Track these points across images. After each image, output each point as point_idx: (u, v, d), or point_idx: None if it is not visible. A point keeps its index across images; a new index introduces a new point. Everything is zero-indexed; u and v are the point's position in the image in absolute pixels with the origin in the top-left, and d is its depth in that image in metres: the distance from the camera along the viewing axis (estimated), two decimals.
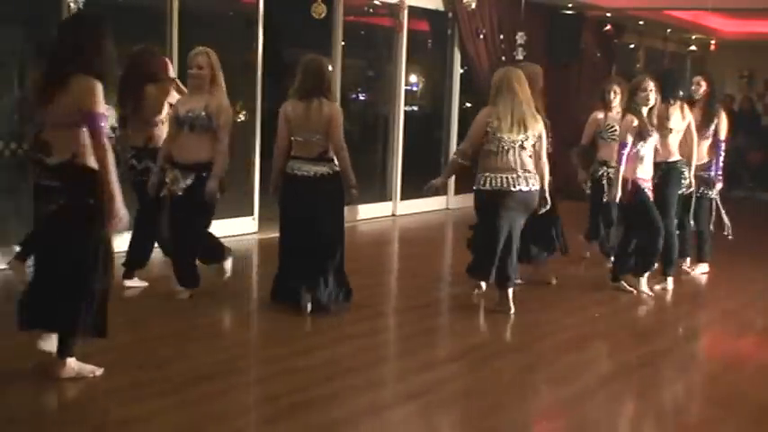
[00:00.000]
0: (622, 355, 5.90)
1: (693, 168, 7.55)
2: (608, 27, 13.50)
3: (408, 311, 6.65)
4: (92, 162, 4.57)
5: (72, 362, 4.75)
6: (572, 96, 13.26)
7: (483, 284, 6.78)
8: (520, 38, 11.54)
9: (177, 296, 6.38)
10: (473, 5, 10.34)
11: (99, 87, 4.54)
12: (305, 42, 9.91)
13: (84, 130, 4.53)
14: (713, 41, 15.33)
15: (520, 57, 11.47)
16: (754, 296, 7.75)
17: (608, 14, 13.01)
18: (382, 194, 10.81)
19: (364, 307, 6.56)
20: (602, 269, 8.22)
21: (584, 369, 5.53)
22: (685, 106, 7.57)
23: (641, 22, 14.04)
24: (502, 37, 11.52)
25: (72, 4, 7.19)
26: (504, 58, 11.45)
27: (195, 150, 6.16)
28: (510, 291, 6.47)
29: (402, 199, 10.93)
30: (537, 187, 6.35)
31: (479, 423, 4.72)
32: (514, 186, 6.24)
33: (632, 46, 15.57)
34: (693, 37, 15.31)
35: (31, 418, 4.36)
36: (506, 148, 6.24)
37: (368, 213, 10.28)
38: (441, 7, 11.14)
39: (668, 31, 15.07)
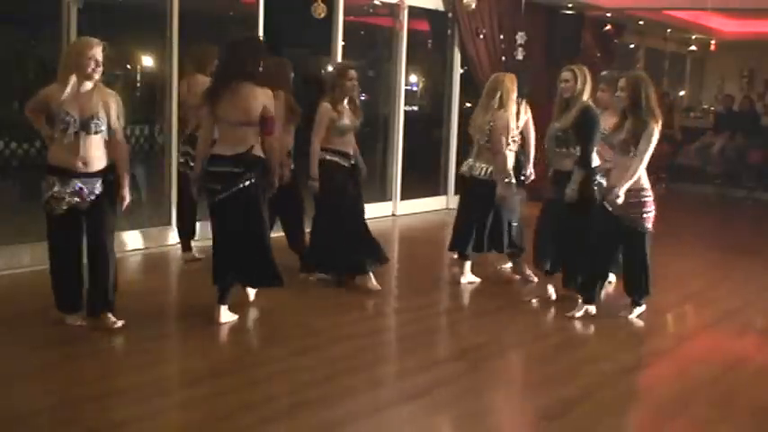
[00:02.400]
0: (622, 355, 5.90)
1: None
2: (608, 27, 13.50)
3: (408, 311, 6.65)
4: (259, 152, 5.78)
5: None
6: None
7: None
8: (520, 38, 11.54)
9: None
10: (473, 5, 10.34)
11: (270, 94, 5.81)
12: (305, 42, 9.92)
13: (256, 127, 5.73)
14: (713, 41, 15.34)
15: (520, 57, 11.48)
16: (754, 296, 7.75)
17: (608, 14, 13.01)
18: (382, 194, 10.81)
19: (364, 307, 6.56)
20: None
21: (584, 370, 5.53)
22: (523, 102, 7.68)
23: (641, 22, 14.04)
24: (502, 37, 11.52)
25: (72, 4, 7.18)
26: (504, 58, 11.45)
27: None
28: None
29: (402, 199, 10.93)
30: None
31: (479, 423, 4.72)
32: None
33: (632, 46, 15.58)
34: (693, 37, 15.32)
35: (29, 418, 4.36)
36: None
37: (368, 213, 10.23)
38: (441, 7, 11.13)
39: (668, 31, 15.07)
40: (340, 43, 9.63)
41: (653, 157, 6.22)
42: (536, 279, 7.40)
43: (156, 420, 4.43)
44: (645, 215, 6.28)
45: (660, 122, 6.19)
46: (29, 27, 8.70)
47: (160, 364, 5.33)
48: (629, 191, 6.15)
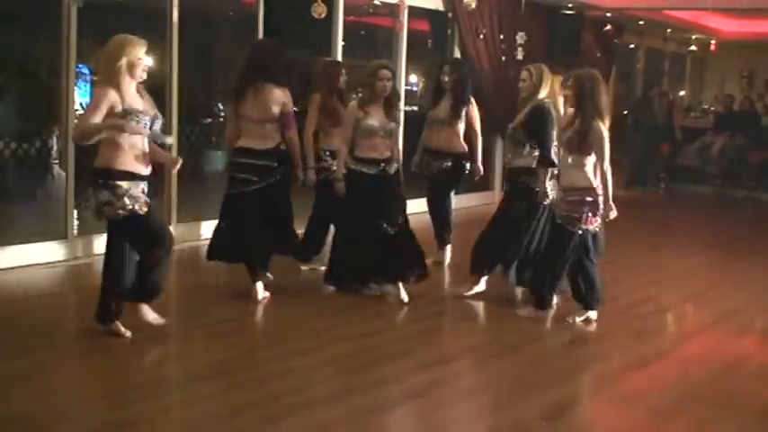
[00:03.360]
0: (620, 355, 5.90)
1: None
2: (608, 27, 13.50)
3: (408, 311, 6.65)
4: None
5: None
6: None
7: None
8: (520, 38, 11.54)
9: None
10: (473, 5, 10.33)
11: (287, 93, 6.35)
12: (305, 42, 9.90)
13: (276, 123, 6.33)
14: (713, 41, 15.33)
15: (520, 57, 11.48)
16: (754, 296, 7.75)
17: (608, 14, 13.01)
18: None
19: (363, 307, 6.56)
20: (600, 269, 8.22)
21: (584, 369, 5.53)
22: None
23: (641, 22, 14.04)
24: (502, 37, 11.51)
25: (72, 4, 7.18)
26: (504, 58, 11.45)
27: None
28: None
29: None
30: None
31: (479, 423, 4.73)
32: None
33: (632, 46, 15.57)
34: (693, 37, 15.30)
35: (29, 418, 4.36)
36: None
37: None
38: (441, 7, 11.13)
39: (668, 31, 15.06)
40: (340, 43, 9.63)
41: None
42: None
43: (156, 420, 4.43)
44: (581, 215, 6.08)
45: (607, 121, 6.06)
46: (28, 26, 8.69)
47: (160, 364, 5.33)
48: (573, 188, 6.09)
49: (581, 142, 5.98)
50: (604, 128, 6.01)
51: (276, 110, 6.31)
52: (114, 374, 4.95)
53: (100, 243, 7.69)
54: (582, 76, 6.12)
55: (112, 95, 5.12)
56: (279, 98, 6.31)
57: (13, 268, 7.05)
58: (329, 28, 9.61)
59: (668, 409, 4.93)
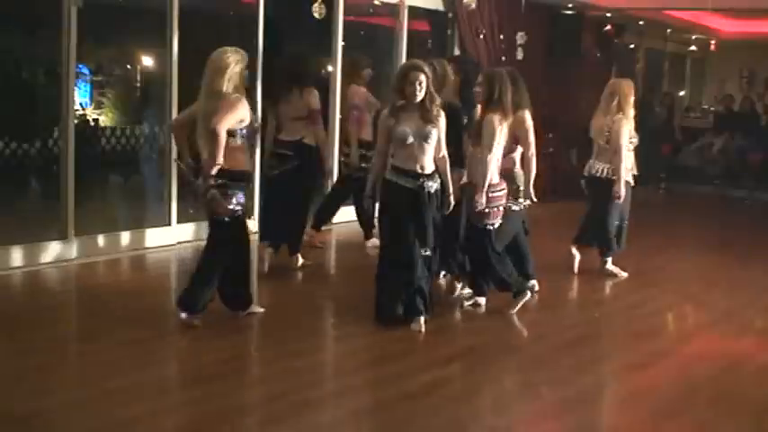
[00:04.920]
0: (621, 356, 5.90)
1: None
2: (608, 27, 13.50)
3: None
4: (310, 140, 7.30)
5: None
6: (572, 97, 13.26)
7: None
8: (520, 38, 11.52)
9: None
10: (473, 5, 10.32)
11: (316, 94, 7.34)
12: (305, 42, 9.91)
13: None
14: (713, 42, 15.33)
15: (520, 57, 11.47)
16: (753, 296, 7.75)
17: (608, 14, 13.00)
18: None
19: (364, 307, 6.56)
20: (600, 270, 8.24)
21: (584, 370, 5.53)
22: None
23: (641, 23, 14.04)
24: (502, 37, 11.50)
25: (72, 4, 7.18)
26: (504, 58, 11.44)
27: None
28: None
29: None
30: None
31: (479, 424, 4.73)
32: None
33: (632, 46, 15.57)
34: (693, 37, 15.30)
35: (28, 419, 4.36)
36: None
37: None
38: (441, 7, 11.13)
39: (668, 31, 15.06)
40: (340, 43, 9.63)
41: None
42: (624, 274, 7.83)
43: (156, 420, 4.44)
44: (485, 210, 6.22)
45: (508, 119, 6.22)
46: (28, 27, 8.70)
47: (160, 364, 5.33)
48: (473, 184, 6.24)
49: (476, 136, 6.25)
50: (499, 123, 6.12)
51: (307, 109, 7.27)
52: (114, 374, 4.95)
53: (98, 242, 7.72)
54: (492, 74, 6.39)
55: (244, 106, 5.77)
56: (312, 99, 7.29)
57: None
58: (329, 28, 9.62)
59: (668, 409, 4.94)
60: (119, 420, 4.38)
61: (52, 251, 7.38)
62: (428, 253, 6.07)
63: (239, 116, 5.64)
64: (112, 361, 5.22)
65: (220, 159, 5.54)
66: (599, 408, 5.01)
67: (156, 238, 8.20)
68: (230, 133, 5.59)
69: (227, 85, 5.63)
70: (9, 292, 6.68)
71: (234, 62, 5.69)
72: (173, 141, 6.55)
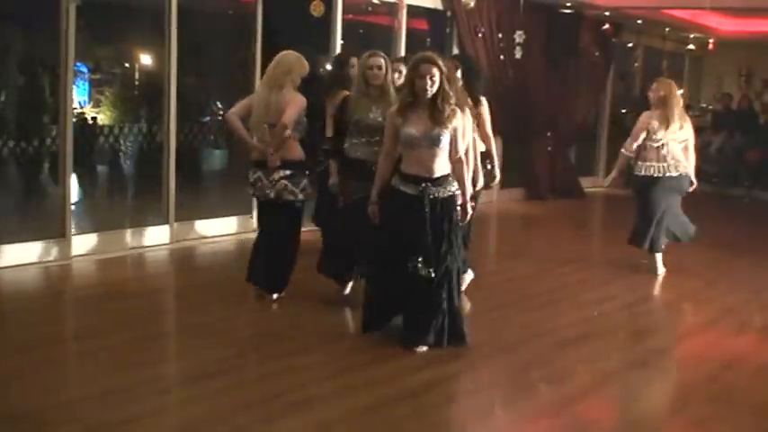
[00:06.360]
0: (621, 353, 5.90)
1: None
2: (606, 26, 13.51)
3: None
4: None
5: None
6: (570, 95, 13.27)
7: None
8: (518, 37, 11.54)
9: None
10: (471, 4, 10.34)
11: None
12: (304, 40, 9.90)
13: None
14: (711, 40, 15.33)
15: (518, 56, 11.48)
16: (752, 294, 7.75)
17: (606, 13, 13.01)
18: None
19: (360, 306, 6.55)
20: (599, 268, 8.25)
21: (583, 368, 5.53)
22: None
23: (639, 21, 14.04)
24: (500, 36, 11.52)
25: (70, 2, 7.17)
26: (502, 57, 11.45)
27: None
28: (658, 255, 8.00)
29: None
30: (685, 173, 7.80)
31: (477, 422, 4.73)
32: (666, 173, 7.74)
33: (630, 45, 15.57)
34: (692, 36, 15.31)
35: (26, 418, 4.35)
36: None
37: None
38: (439, 6, 11.13)
39: (666, 30, 15.06)
40: (339, 42, 9.63)
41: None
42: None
43: (155, 419, 4.43)
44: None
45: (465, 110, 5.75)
46: (27, 25, 8.69)
47: (159, 363, 5.33)
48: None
49: None
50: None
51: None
52: (113, 373, 4.94)
53: (90, 241, 7.72)
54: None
55: None
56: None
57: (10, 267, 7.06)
58: (328, 27, 9.61)
59: (667, 407, 4.95)
60: (117, 419, 4.35)
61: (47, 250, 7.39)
62: (431, 273, 5.35)
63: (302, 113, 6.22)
64: (111, 359, 5.20)
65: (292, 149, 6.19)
66: (597, 406, 5.01)
67: (154, 236, 8.22)
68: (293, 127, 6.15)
69: (291, 84, 6.24)
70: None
71: (299, 66, 6.29)
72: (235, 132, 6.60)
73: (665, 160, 7.76)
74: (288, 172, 6.23)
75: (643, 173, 7.83)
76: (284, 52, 6.39)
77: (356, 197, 6.05)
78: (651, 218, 7.90)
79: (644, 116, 7.84)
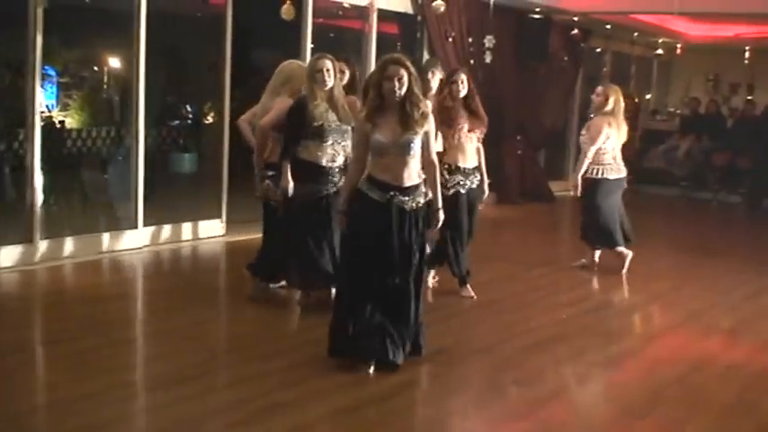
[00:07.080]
0: (589, 356, 5.93)
1: None
2: (575, 31, 13.59)
3: None
4: None
5: None
6: (540, 100, 13.33)
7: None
8: (488, 41, 11.57)
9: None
10: (442, 9, 10.36)
11: None
12: (274, 44, 9.88)
13: None
14: (679, 45, 15.48)
15: (488, 60, 11.51)
16: (719, 297, 7.83)
17: (575, 18, 13.09)
18: None
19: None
20: (570, 272, 8.29)
21: (552, 370, 5.55)
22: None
23: (608, 27, 14.14)
24: (471, 40, 11.55)
25: (38, 4, 7.10)
26: (472, 61, 11.48)
27: None
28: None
29: None
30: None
31: (448, 425, 4.73)
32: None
33: (599, 50, 15.68)
34: (660, 41, 15.45)
35: (4, 421, 4.32)
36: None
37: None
38: (410, 10, 11.15)
39: (635, 35, 15.18)
40: (309, 45, 9.62)
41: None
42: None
43: (124, 425, 4.39)
44: None
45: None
46: None
47: (127, 369, 5.27)
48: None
49: None
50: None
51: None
52: (82, 378, 4.89)
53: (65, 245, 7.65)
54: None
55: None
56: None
57: None
58: (298, 30, 9.60)
59: (637, 408, 4.97)
60: (89, 424, 4.31)
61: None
62: (396, 281, 5.15)
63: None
64: (81, 365, 5.15)
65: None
66: (568, 408, 5.03)
67: (125, 240, 8.16)
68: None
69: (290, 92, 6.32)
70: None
71: (300, 73, 6.34)
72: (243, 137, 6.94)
73: (616, 162, 8.08)
74: (271, 173, 6.36)
75: (602, 176, 8.01)
76: (286, 62, 6.61)
77: (299, 201, 6.18)
78: (614, 216, 8.12)
79: (598, 121, 8.02)
